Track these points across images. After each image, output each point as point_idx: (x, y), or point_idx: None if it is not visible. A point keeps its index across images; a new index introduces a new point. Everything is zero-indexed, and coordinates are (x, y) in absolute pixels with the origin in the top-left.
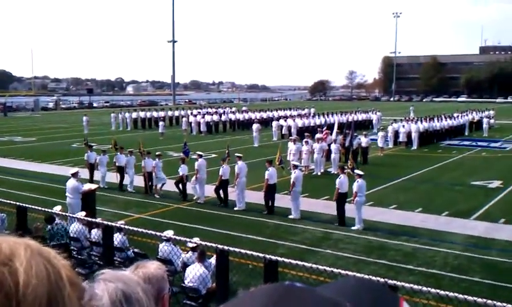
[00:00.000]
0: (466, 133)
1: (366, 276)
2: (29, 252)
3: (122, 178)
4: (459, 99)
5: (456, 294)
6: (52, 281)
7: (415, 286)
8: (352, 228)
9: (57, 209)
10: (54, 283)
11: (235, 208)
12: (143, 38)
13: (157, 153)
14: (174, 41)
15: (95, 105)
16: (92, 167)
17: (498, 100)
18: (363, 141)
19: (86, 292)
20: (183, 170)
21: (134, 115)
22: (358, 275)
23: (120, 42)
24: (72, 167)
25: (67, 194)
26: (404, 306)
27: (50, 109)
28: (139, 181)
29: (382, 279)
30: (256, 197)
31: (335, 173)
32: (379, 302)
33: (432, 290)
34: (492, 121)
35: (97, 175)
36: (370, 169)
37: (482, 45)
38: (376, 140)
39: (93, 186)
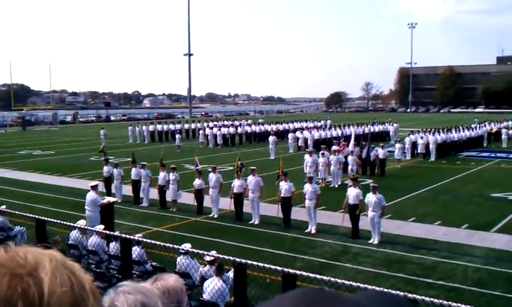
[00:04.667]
0: (485, 145)
1: (386, 290)
2: (54, 263)
3: (137, 191)
4: (477, 110)
5: None
6: (76, 292)
7: (436, 300)
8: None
9: (81, 223)
10: (78, 294)
11: (250, 222)
12: (159, 51)
13: (172, 167)
14: (190, 55)
15: (112, 118)
16: (108, 181)
17: None
18: (381, 152)
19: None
20: (198, 184)
21: (151, 128)
22: (378, 288)
23: (137, 56)
24: (90, 180)
25: (86, 206)
26: None
27: (68, 122)
28: (155, 194)
29: (401, 293)
30: (273, 210)
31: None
32: None
33: (453, 304)
34: (511, 131)
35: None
36: (387, 181)
37: (500, 55)
38: (393, 152)
39: (112, 199)
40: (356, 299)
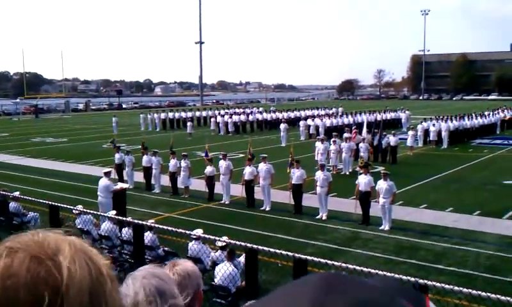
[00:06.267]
0: (498, 132)
1: (396, 275)
2: (73, 248)
3: (149, 178)
4: (490, 97)
5: (489, 294)
6: (94, 276)
7: (447, 286)
8: (380, 227)
9: (79, 208)
10: (95, 278)
11: (262, 208)
12: (170, 39)
13: (182, 154)
14: (201, 43)
15: (124, 106)
16: (119, 168)
17: None
18: (392, 140)
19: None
20: (209, 171)
21: (163, 116)
22: (390, 274)
23: (148, 44)
24: (102, 167)
25: (99, 193)
26: (431, 305)
27: (80, 110)
28: (167, 181)
29: (412, 279)
30: (284, 197)
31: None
32: (407, 296)
33: (465, 290)
34: None
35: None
36: (399, 168)
37: None
38: (405, 139)
39: (125, 185)
40: (371, 282)
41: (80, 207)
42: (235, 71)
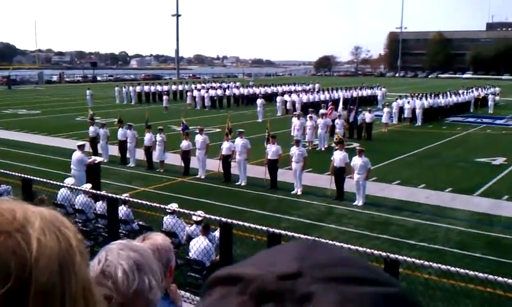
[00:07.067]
0: (471, 110)
1: (368, 250)
2: (42, 220)
3: (124, 151)
4: (465, 76)
5: (458, 269)
6: (63, 248)
7: (417, 261)
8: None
9: (68, 181)
10: (65, 251)
11: (237, 183)
12: (146, 11)
13: (158, 128)
14: (178, 15)
15: (98, 78)
16: (94, 141)
17: (504, 77)
18: (367, 116)
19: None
20: (184, 145)
21: (138, 89)
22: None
23: (124, 15)
24: (77, 140)
25: (72, 166)
26: None
27: (54, 82)
28: (142, 155)
29: (384, 253)
30: (260, 172)
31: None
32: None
33: (434, 265)
34: (497, 98)
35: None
36: (374, 145)
37: (489, 21)
38: (381, 116)
39: (99, 159)
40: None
41: (70, 180)
42: (213, 45)
